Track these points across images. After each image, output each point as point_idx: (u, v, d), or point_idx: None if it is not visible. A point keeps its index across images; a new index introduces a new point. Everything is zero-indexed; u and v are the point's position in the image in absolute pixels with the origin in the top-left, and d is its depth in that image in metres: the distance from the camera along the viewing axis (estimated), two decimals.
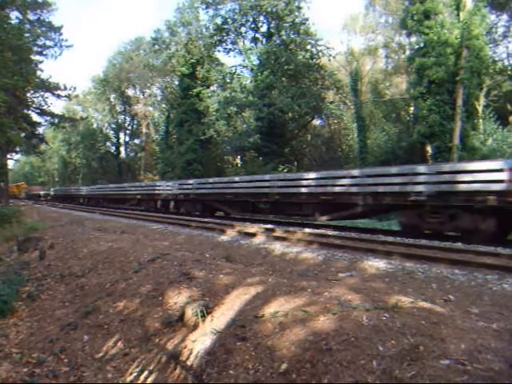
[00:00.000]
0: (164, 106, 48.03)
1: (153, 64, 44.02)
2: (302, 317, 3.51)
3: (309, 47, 31.84)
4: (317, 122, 40.81)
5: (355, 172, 11.27)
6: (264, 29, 32.93)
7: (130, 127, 58.22)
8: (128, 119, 57.56)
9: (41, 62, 27.10)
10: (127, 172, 56.39)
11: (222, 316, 4.15)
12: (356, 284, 4.86)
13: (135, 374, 4.02)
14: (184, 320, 4.38)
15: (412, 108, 27.72)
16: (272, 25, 31.92)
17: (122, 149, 58.68)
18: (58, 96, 27.80)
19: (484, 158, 20.26)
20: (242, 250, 8.44)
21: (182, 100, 35.08)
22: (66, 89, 27.25)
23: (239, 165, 38.08)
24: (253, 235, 10.35)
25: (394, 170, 10.46)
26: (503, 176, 7.93)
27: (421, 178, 9.37)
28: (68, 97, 28.66)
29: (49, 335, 5.35)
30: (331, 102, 35.01)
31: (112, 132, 58.61)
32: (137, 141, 59.31)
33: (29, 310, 6.43)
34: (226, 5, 32.82)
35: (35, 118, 28.73)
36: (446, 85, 20.94)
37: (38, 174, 76.26)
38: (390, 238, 9.00)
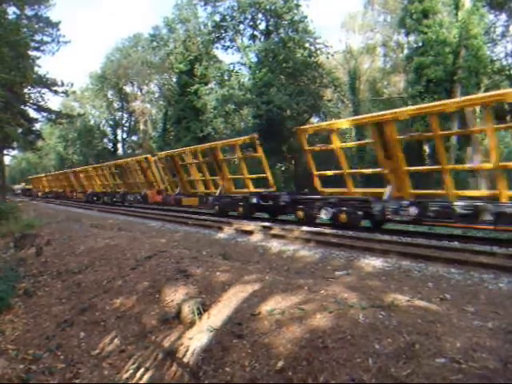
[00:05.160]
0: (162, 103, 47.92)
1: (151, 61, 43.87)
2: (298, 315, 3.52)
3: (307, 45, 31.81)
4: (315, 120, 40.75)
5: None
6: (262, 26, 32.90)
7: (127, 124, 58.04)
8: (125, 116, 57.41)
9: (38, 57, 26.94)
10: None
11: (218, 313, 4.15)
12: (353, 282, 4.87)
13: (131, 371, 4.01)
14: (181, 317, 4.37)
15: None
16: (270, 22, 31.86)
17: (120, 146, 58.52)
18: (56, 92, 27.55)
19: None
20: (239, 247, 8.45)
21: (180, 97, 34.98)
22: (63, 85, 27.01)
23: None
24: (250, 233, 10.35)
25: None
26: None
27: None
28: (65, 93, 28.43)
29: (45, 332, 5.33)
30: (329, 101, 35.05)
31: (109, 129, 58.45)
32: (134, 138, 59.16)
33: (25, 306, 6.41)
34: (224, 2, 32.78)
35: (32, 114, 28.51)
36: (444, 84, 20.99)
37: (34, 171, 75.89)
38: (387, 237, 9.02)
